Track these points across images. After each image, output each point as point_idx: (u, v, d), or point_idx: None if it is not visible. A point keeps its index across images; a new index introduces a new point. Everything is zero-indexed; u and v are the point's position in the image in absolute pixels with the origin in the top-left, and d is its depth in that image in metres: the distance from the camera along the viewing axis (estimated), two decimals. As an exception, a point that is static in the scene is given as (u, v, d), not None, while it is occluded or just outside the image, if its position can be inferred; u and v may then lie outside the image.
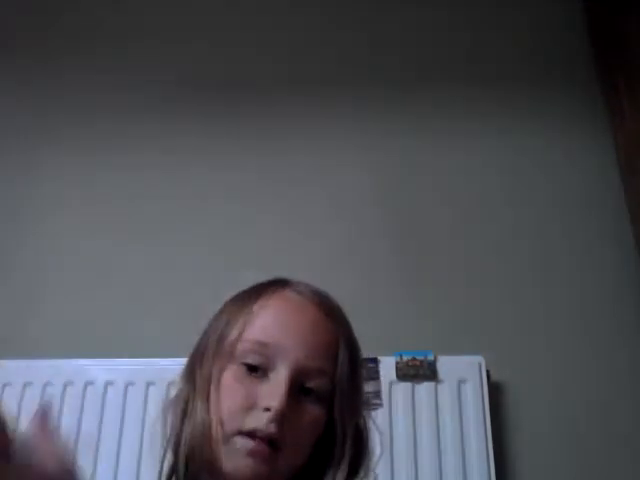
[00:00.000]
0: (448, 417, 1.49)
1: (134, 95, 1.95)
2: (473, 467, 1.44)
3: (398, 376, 1.52)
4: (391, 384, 1.51)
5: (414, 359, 1.53)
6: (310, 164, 1.87)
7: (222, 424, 0.68)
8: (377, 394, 1.49)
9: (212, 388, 0.71)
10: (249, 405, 0.68)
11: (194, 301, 1.68)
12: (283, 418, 0.67)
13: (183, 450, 0.70)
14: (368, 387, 1.49)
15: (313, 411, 0.70)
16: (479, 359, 1.54)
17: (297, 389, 0.69)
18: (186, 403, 0.73)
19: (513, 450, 1.55)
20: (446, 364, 1.54)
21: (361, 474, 0.73)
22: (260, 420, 0.67)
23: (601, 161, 1.85)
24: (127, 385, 1.54)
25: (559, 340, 1.65)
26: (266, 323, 0.72)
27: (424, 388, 1.51)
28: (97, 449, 1.48)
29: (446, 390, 1.52)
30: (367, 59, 1.99)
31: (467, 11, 2.04)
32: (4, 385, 1.55)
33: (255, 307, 0.74)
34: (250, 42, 2.00)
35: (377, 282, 1.71)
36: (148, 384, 1.54)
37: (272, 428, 0.66)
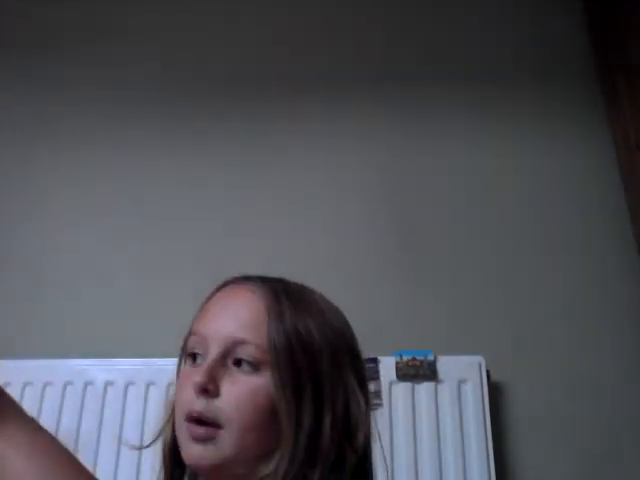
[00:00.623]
0: (448, 417, 1.49)
1: (132, 91, 1.95)
2: (473, 467, 1.44)
3: (398, 376, 1.52)
4: (391, 384, 1.51)
5: (414, 359, 1.53)
6: (311, 164, 1.87)
7: (176, 417, 0.71)
8: (377, 394, 1.49)
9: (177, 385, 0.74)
10: (188, 392, 0.69)
11: (194, 301, 1.68)
12: (208, 392, 0.67)
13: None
14: (368, 387, 1.49)
15: (247, 381, 0.69)
16: (479, 359, 1.54)
17: (227, 365, 0.70)
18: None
19: (513, 450, 1.55)
20: (446, 364, 1.54)
21: (321, 460, 0.68)
22: (189, 399, 0.68)
23: (601, 161, 1.85)
24: (127, 385, 1.54)
25: (559, 340, 1.65)
26: (204, 315, 0.76)
27: (424, 388, 1.51)
28: (97, 449, 1.48)
29: (446, 390, 1.52)
30: (369, 59, 1.98)
31: (467, 11, 2.04)
32: (4, 385, 1.54)
33: (206, 305, 0.78)
34: (250, 41, 2.00)
35: (377, 282, 1.71)
36: (148, 384, 1.54)
37: (198, 405, 0.67)
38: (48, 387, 1.54)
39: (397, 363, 1.52)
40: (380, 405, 1.48)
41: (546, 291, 1.71)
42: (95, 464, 1.46)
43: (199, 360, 0.71)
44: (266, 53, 2.00)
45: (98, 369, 1.56)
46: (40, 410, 1.52)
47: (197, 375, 0.68)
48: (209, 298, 0.79)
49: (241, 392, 0.68)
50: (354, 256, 1.74)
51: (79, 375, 1.56)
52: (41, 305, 1.73)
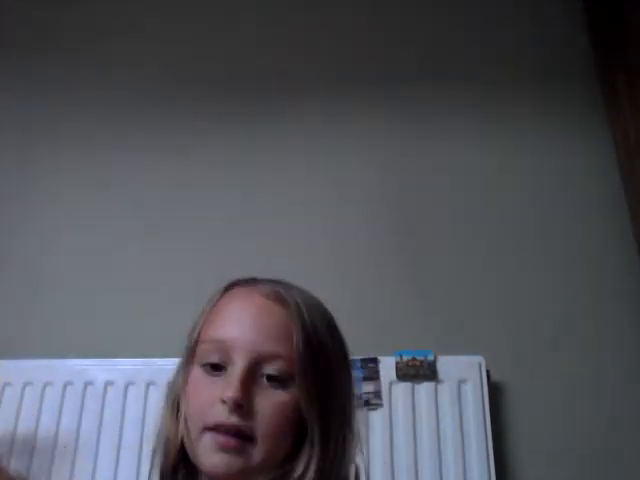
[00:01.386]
0: (448, 417, 1.49)
1: (132, 92, 1.95)
2: (473, 467, 1.44)
3: (398, 376, 1.52)
4: (391, 384, 1.51)
5: (414, 359, 1.53)
6: (311, 163, 1.87)
7: (191, 426, 0.70)
8: (377, 394, 1.49)
9: (180, 393, 0.74)
10: (210, 402, 0.69)
11: (194, 301, 1.68)
12: (241, 408, 0.67)
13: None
14: (368, 387, 1.50)
15: (276, 396, 0.69)
16: (479, 359, 1.54)
17: (257, 377, 0.69)
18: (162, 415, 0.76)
19: (513, 450, 1.55)
20: (446, 364, 1.54)
21: (341, 458, 0.72)
22: (221, 413, 0.67)
23: (601, 161, 1.85)
24: (127, 385, 1.54)
25: (559, 340, 1.65)
26: (217, 320, 0.74)
27: (424, 388, 1.51)
28: (97, 449, 1.48)
29: (446, 390, 1.52)
30: (370, 59, 1.98)
31: (467, 11, 2.04)
32: (4, 385, 1.55)
33: (210, 308, 0.76)
34: (250, 41, 2.00)
35: (377, 282, 1.71)
36: (148, 384, 1.54)
37: (233, 419, 0.67)
38: (48, 387, 1.54)
39: (397, 363, 1.52)
40: (380, 405, 1.48)
41: (546, 291, 1.71)
42: (95, 464, 1.46)
43: (219, 370, 0.70)
44: (267, 52, 1.99)
45: (98, 369, 1.56)
46: (40, 410, 1.52)
47: (228, 389, 0.67)
48: (216, 301, 0.77)
49: (274, 408, 0.69)
50: (354, 256, 1.74)
51: (79, 375, 1.56)
52: (41, 305, 1.73)
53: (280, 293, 0.75)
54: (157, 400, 1.50)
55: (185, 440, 0.71)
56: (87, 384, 1.55)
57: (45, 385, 1.55)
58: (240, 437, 0.67)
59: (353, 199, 1.82)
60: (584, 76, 1.95)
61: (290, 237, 1.76)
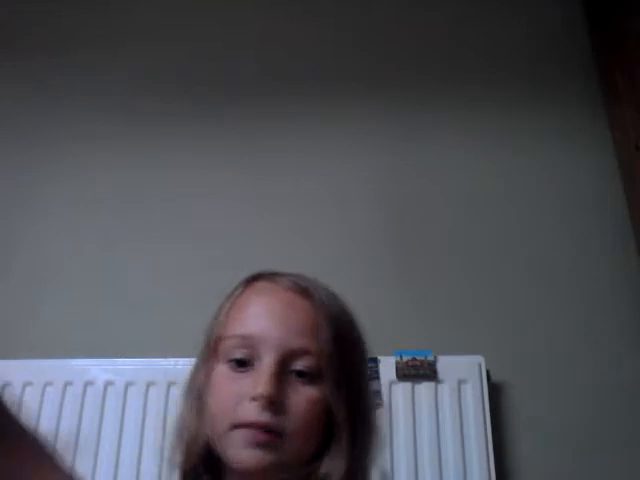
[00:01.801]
0: (448, 417, 1.49)
1: (133, 95, 1.95)
2: (473, 467, 1.44)
3: (398, 376, 1.52)
4: (391, 384, 1.51)
5: (414, 359, 1.53)
6: (309, 164, 1.87)
7: (217, 423, 0.68)
8: (377, 394, 1.49)
9: (203, 389, 0.72)
10: (238, 399, 0.68)
11: (195, 301, 1.68)
12: (273, 404, 0.66)
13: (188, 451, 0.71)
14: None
15: (306, 392, 0.68)
16: (479, 359, 1.54)
17: (286, 373, 0.69)
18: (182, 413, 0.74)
19: (513, 450, 1.55)
20: (446, 364, 1.53)
21: (366, 455, 0.72)
22: (251, 410, 0.66)
23: (601, 161, 1.85)
24: (127, 385, 1.54)
25: (559, 340, 1.65)
26: (242, 317, 0.73)
27: (424, 388, 1.51)
28: (97, 449, 1.48)
29: (446, 390, 1.51)
30: (368, 59, 1.98)
31: (467, 11, 2.04)
32: (4, 385, 1.55)
33: (230, 304, 0.75)
34: (249, 41, 2.00)
35: (377, 282, 1.71)
36: (148, 384, 1.54)
37: (264, 417, 0.66)
38: (48, 387, 1.54)
39: (397, 363, 1.52)
40: (380, 405, 1.48)
41: (546, 291, 1.71)
42: (95, 464, 1.46)
43: (246, 365, 0.69)
44: (266, 53, 1.99)
45: (98, 369, 1.56)
46: (40, 410, 1.52)
47: (259, 386, 0.66)
48: (237, 296, 0.76)
49: (305, 404, 0.68)
50: (354, 256, 1.74)
51: (79, 375, 1.55)
52: (41, 305, 1.73)
53: (304, 287, 0.74)
54: (157, 400, 1.50)
55: (211, 437, 0.69)
56: (87, 384, 1.55)
57: (45, 385, 1.54)
58: (270, 433, 0.66)
59: (352, 199, 1.82)
60: (584, 76, 1.95)
61: (290, 237, 1.76)
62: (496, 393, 1.58)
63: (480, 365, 1.53)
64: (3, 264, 1.78)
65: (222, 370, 0.71)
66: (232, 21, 2.04)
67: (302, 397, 0.68)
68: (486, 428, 1.48)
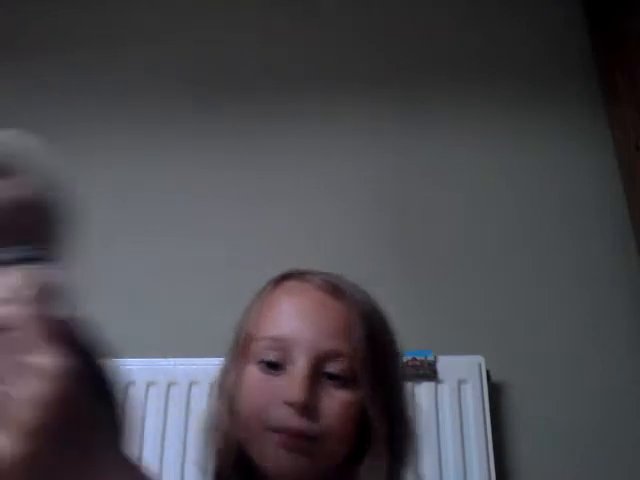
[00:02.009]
0: (448, 417, 1.49)
1: (133, 94, 1.95)
2: (473, 467, 1.44)
3: (398, 376, 1.52)
4: (391, 384, 1.51)
5: (414, 359, 1.53)
6: (311, 162, 1.86)
7: (250, 426, 0.67)
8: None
9: (234, 390, 0.70)
10: (271, 401, 0.67)
11: (194, 301, 1.68)
12: (307, 409, 0.65)
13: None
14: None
15: (340, 395, 0.67)
16: (479, 359, 1.54)
17: (319, 376, 0.67)
18: (214, 413, 0.73)
19: (513, 450, 1.55)
20: (446, 364, 1.53)
21: (406, 456, 0.71)
22: (285, 415, 0.65)
23: (601, 161, 1.85)
24: (127, 385, 1.54)
25: (559, 340, 1.65)
26: (274, 318, 0.71)
27: (424, 388, 1.51)
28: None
29: (446, 390, 1.51)
30: (369, 58, 1.98)
31: (467, 11, 2.04)
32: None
33: (261, 304, 0.74)
34: (250, 40, 2.00)
35: (377, 282, 1.70)
36: (148, 384, 1.53)
37: (299, 423, 0.65)
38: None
39: (397, 363, 1.52)
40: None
41: (546, 291, 1.71)
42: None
43: (277, 367, 0.68)
44: (265, 53, 1.99)
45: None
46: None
47: (293, 391, 0.65)
48: (268, 295, 0.75)
49: (339, 408, 0.67)
50: (353, 256, 1.74)
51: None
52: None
53: (337, 287, 0.73)
54: (157, 400, 1.50)
55: (242, 439, 0.68)
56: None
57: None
58: (303, 437, 0.65)
59: (352, 199, 1.82)
60: (584, 76, 1.95)
61: (290, 237, 1.76)
62: (496, 393, 1.58)
63: (480, 365, 1.53)
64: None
65: (253, 371, 0.70)
66: (233, 20, 2.04)
67: (336, 402, 0.67)
68: (486, 428, 1.48)
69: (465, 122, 1.90)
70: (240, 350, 0.73)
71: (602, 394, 1.60)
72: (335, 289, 0.73)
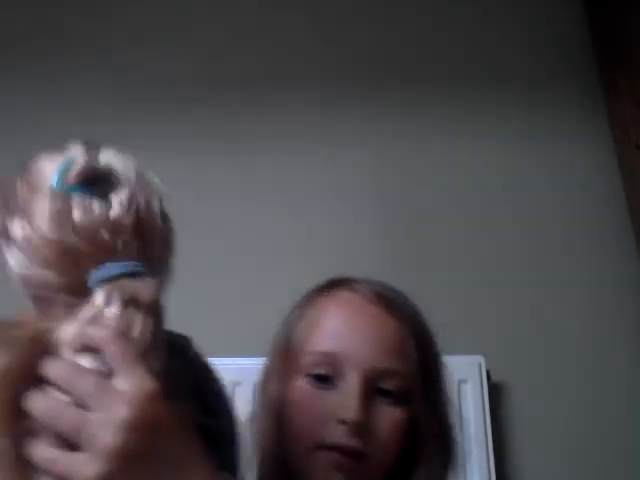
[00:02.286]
0: (448, 417, 1.49)
1: (134, 95, 1.95)
2: (473, 467, 1.44)
3: (398, 376, 1.51)
4: (391, 384, 1.51)
5: (414, 359, 1.52)
6: (308, 163, 1.86)
7: (299, 441, 0.66)
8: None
9: (282, 404, 0.69)
10: (324, 419, 0.65)
11: (195, 301, 1.68)
12: (361, 428, 0.64)
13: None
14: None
15: (392, 414, 0.67)
16: (479, 359, 1.54)
17: (371, 393, 0.67)
18: (259, 422, 0.72)
19: (513, 450, 1.55)
20: (446, 364, 1.53)
21: (452, 468, 0.71)
22: (338, 434, 0.64)
23: (601, 159, 1.85)
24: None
25: (559, 340, 1.65)
26: (327, 331, 0.70)
27: (424, 388, 1.51)
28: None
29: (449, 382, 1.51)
30: (367, 59, 1.98)
31: (467, 10, 2.03)
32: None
33: (313, 314, 0.72)
34: (250, 41, 2.00)
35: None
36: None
37: (353, 441, 0.64)
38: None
39: (397, 363, 1.52)
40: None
41: (546, 291, 1.71)
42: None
43: (329, 383, 0.67)
44: (265, 53, 1.99)
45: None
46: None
47: (348, 410, 0.64)
48: (316, 305, 0.72)
49: (391, 427, 0.66)
50: (353, 256, 1.73)
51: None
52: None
53: (389, 300, 0.72)
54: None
55: (290, 455, 0.67)
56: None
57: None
58: (356, 456, 0.65)
59: (352, 199, 1.81)
60: (584, 75, 1.95)
61: (289, 238, 1.76)
62: (496, 393, 1.58)
63: (480, 365, 1.53)
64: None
65: (303, 386, 0.68)
66: (233, 20, 2.04)
67: (388, 420, 0.66)
68: (486, 428, 1.48)
69: (463, 122, 1.90)
70: (288, 361, 0.71)
71: (602, 394, 1.60)
72: (388, 303, 0.72)
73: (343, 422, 0.64)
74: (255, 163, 1.87)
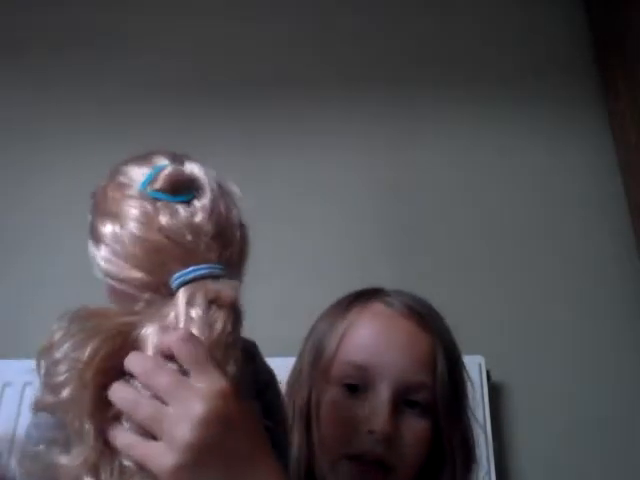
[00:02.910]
0: (448, 417, 1.48)
1: (137, 93, 1.95)
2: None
3: (398, 376, 1.51)
4: (391, 384, 1.51)
5: (414, 359, 1.52)
6: (307, 163, 1.86)
7: (326, 449, 0.67)
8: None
9: (312, 413, 0.70)
10: (352, 429, 0.67)
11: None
12: (389, 439, 0.66)
13: None
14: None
15: (418, 426, 0.69)
16: (479, 359, 1.54)
17: (399, 405, 0.68)
18: None
19: (513, 450, 1.55)
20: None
21: (470, 477, 0.73)
22: (366, 443, 0.66)
23: (601, 160, 1.85)
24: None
25: (559, 340, 1.65)
26: (359, 342, 0.71)
27: (424, 388, 1.51)
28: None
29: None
30: (366, 58, 1.98)
31: (467, 11, 2.04)
32: (4, 385, 1.54)
33: (346, 325, 0.73)
34: (250, 41, 2.00)
35: (376, 282, 1.70)
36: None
37: (379, 450, 0.66)
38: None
39: (397, 363, 1.52)
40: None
41: (546, 291, 1.71)
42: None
43: (359, 393, 0.68)
44: (265, 53, 1.99)
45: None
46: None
47: (378, 421, 0.65)
48: (350, 316, 0.73)
49: (417, 439, 0.68)
50: (352, 256, 1.74)
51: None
52: (42, 305, 1.72)
53: (422, 316, 0.73)
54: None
55: (317, 462, 0.68)
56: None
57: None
58: (381, 466, 0.66)
59: (353, 199, 1.81)
60: (584, 75, 1.95)
61: (288, 238, 1.76)
62: (496, 393, 1.58)
63: (480, 365, 1.53)
64: (4, 264, 1.78)
65: (334, 395, 0.70)
66: (233, 21, 2.04)
67: (415, 431, 0.68)
68: (486, 428, 1.48)
69: (463, 122, 1.90)
70: (318, 369, 0.72)
71: (602, 394, 1.60)
72: (420, 317, 0.73)
73: (372, 432, 0.66)
74: (255, 163, 1.87)
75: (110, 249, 0.60)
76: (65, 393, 0.51)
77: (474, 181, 1.83)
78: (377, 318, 0.74)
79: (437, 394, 0.69)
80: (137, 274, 0.56)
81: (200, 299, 0.52)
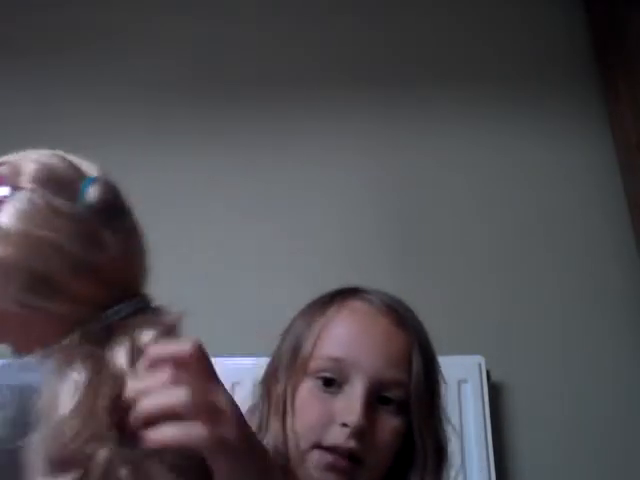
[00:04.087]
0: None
1: (137, 94, 1.95)
2: (473, 467, 1.44)
3: (398, 376, 1.51)
4: (391, 384, 1.51)
5: (414, 359, 1.52)
6: (308, 165, 1.86)
7: (299, 440, 0.68)
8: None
9: (287, 404, 0.71)
10: (326, 420, 0.67)
11: (194, 302, 1.67)
12: (362, 433, 0.66)
13: None
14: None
15: (391, 422, 0.69)
16: (479, 359, 1.54)
17: (374, 401, 0.69)
18: (260, 419, 0.73)
19: (513, 450, 1.55)
20: (446, 364, 1.52)
21: (442, 475, 0.73)
22: (339, 436, 0.66)
23: (601, 160, 1.85)
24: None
25: (559, 340, 1.65)
26: (337, 337, 0.72)
27: (424, 388, 1.51)
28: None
29: (446, 390, 1.51)
30: (366, 59, 1.98)
31: (467, 11, 2.03)
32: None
33: (324, 320, 0.74)
34: (250, 43, 2.00)
35: (376, 283, 1.70)
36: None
37: (351, 444, 0.66)
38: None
39: (397, 363, 1.52)
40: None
41: (546, 291, 1.71)
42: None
43: (335, 387, 0.69)
44: (265, 53, 1.99)
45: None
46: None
47: (351, 414, 0.66)
48: (329, 312, 0.74)
49: (389, 435, 0.69)
50: (352, 257, 1.74)
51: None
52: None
53: (400, 314, 0.75)
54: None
55: (289, 453, 0.69)
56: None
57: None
58: (352, 458, 0.67)
59: (353, 198, 1.81)
60: (584, 75, 1.95)
61: (288, 239, 1.76)
62: (496, 393, 1.58)
63: (480, 365, 1.53)
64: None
65: (309, 387, 0.70)
66: (233, 22, 2.04)
67: (388, 429, 0.69)
68: (486, 428, 1.48)
69: (463, 122, 1.90)
70: (296, 363, 0.72)
71: (602, 394, 1.60)
72: (398, 315, 0.74)
73: (345, 425, 0.66)
74: (254, 163, 1.87)
75: None
76: None
77: (474, 181, 1.83)
78: (355, 314, 0.74)
79: (412, 392, 0.70)
80: None
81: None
